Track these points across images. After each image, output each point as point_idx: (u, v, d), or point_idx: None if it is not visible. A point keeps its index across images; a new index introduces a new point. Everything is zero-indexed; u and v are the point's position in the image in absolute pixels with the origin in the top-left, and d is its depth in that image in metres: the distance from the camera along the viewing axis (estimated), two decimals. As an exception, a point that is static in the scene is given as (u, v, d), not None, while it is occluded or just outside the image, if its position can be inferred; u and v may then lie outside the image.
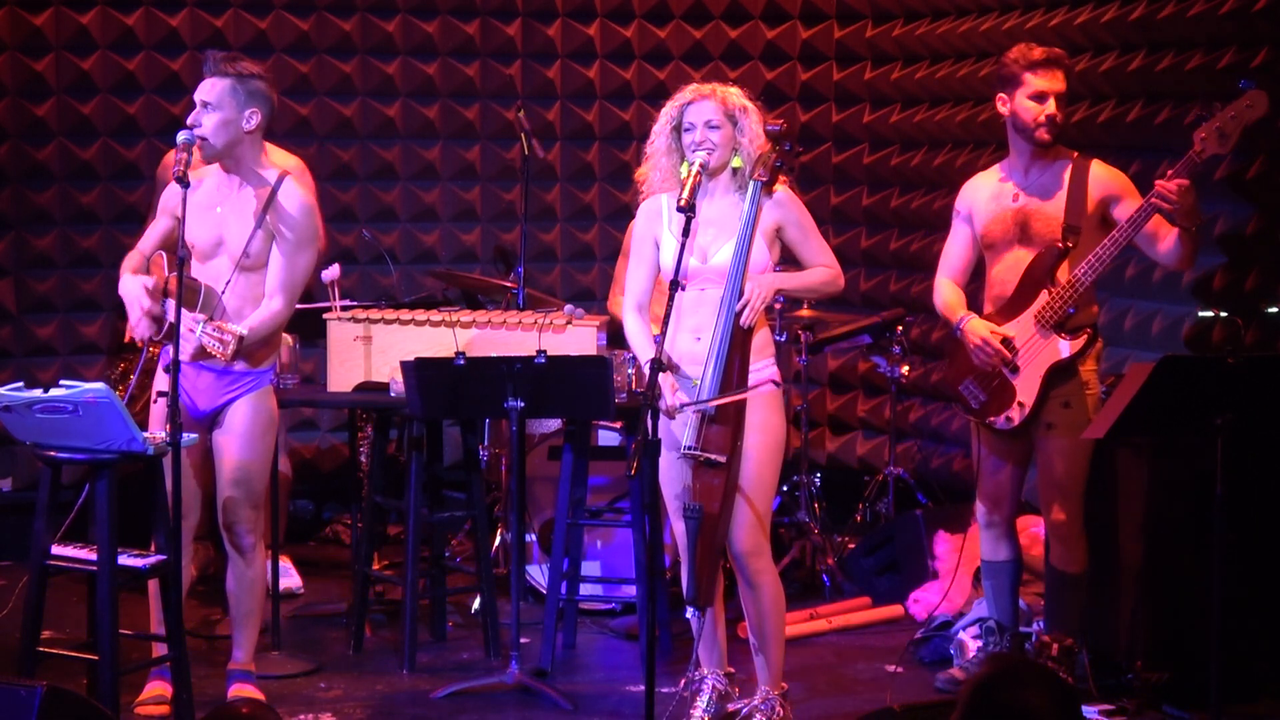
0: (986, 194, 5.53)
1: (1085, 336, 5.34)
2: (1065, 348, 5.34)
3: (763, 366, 5.11)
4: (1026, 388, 5.38)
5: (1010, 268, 5.44)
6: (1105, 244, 5.23)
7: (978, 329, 5.42)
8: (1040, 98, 5.35)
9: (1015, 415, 5.41)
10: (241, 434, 5.35)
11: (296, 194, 5.36)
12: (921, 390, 7.97)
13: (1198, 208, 5.17)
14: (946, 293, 5.58)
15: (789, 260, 5.33)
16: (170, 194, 5.38)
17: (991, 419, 5.47)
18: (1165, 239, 5.27)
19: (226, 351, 5.03)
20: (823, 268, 5.20)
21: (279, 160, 6.73)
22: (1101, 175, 5.38)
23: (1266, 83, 5.93)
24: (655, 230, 5.20)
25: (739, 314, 5.00)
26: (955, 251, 5.62)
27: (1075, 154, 5.44)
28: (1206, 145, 5.09)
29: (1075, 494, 5.44)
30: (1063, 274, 5.33)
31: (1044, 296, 5.34)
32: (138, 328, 5.26)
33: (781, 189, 5.12)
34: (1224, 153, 5.14)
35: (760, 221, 5.08)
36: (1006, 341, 5.38)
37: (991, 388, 5.45)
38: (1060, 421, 5.38)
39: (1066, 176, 5.36)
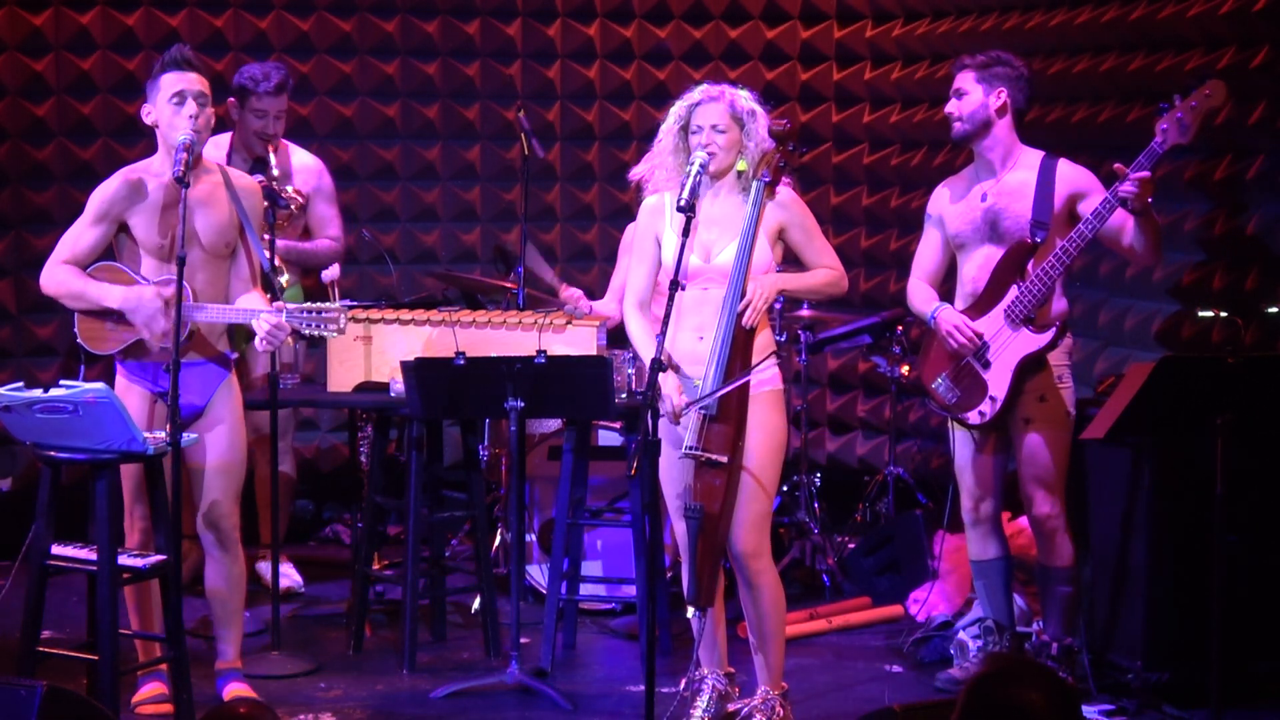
0: (955, 195, 5.67)
1: (1054, 330, 5.42)
2: (1034, 341, 5.42)
3: (764, 367, 5.10)
4: (998, 382, 5.45)
5: (981, 265, 5.56)
6: (1071, 237, 5.35)
7: (949, 316, 5.54)
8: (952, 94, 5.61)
9: (988, 409, 5.48)
10: (226, 423, 5.33)
11: (247, 177, 5.43)
12: (921, 390, 7.96)
13: (1149, 196, 5.27)
14: (920, 290, 5.72)
15: (792, 262, 5.33)
16: (109, 198, 5.23)
17: (965, 414, 5.53)
18: (1129, 231, 5.38)
19: (342, 326, 5.08)
20: (826, 269, 5.20)
21: (301, 160, 6.75)
22: (1068, 173, 5.50)
23: (1267, 82, 5.95)
24: (657, 227, 5.20)
25: (741, 314, 5.00)
26: (927, 254, 5.76)
27: (1043, 153, 5.56)
28: (1168, 135, 5.22)
29: (1057, 487, 5.49)
30: (1032, 269, 5.43)
31: (1013, 291, 5.44)
32: (161, 338, 5.18)
33: (785, 190, 5.13)
34: (1185, 142, 5.27)
35: (764, 222, 5.09)
36: (978, 335, 5.47)
37: (964, 383, 5.52)
38: (1037, 415, 5.47)
39: (1034, 175, 5.49)
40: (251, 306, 5.22)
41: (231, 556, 5.40)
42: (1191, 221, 6.29)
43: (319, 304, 5.13)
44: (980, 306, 5.52)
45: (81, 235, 5.26)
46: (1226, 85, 5.26)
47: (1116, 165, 5.25)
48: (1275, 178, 6.01)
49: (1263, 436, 5.16)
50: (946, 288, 5.79)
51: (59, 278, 5.26)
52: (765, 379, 5.11)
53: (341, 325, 5.11)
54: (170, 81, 5.17)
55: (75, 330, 5.34)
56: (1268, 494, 5.40)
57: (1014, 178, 5.52)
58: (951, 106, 5.59)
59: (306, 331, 5.11)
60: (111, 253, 5.34)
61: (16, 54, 7.54)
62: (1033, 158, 5.54)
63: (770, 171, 5.07)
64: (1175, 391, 4.92)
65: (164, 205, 5.20)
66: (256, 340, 5.15)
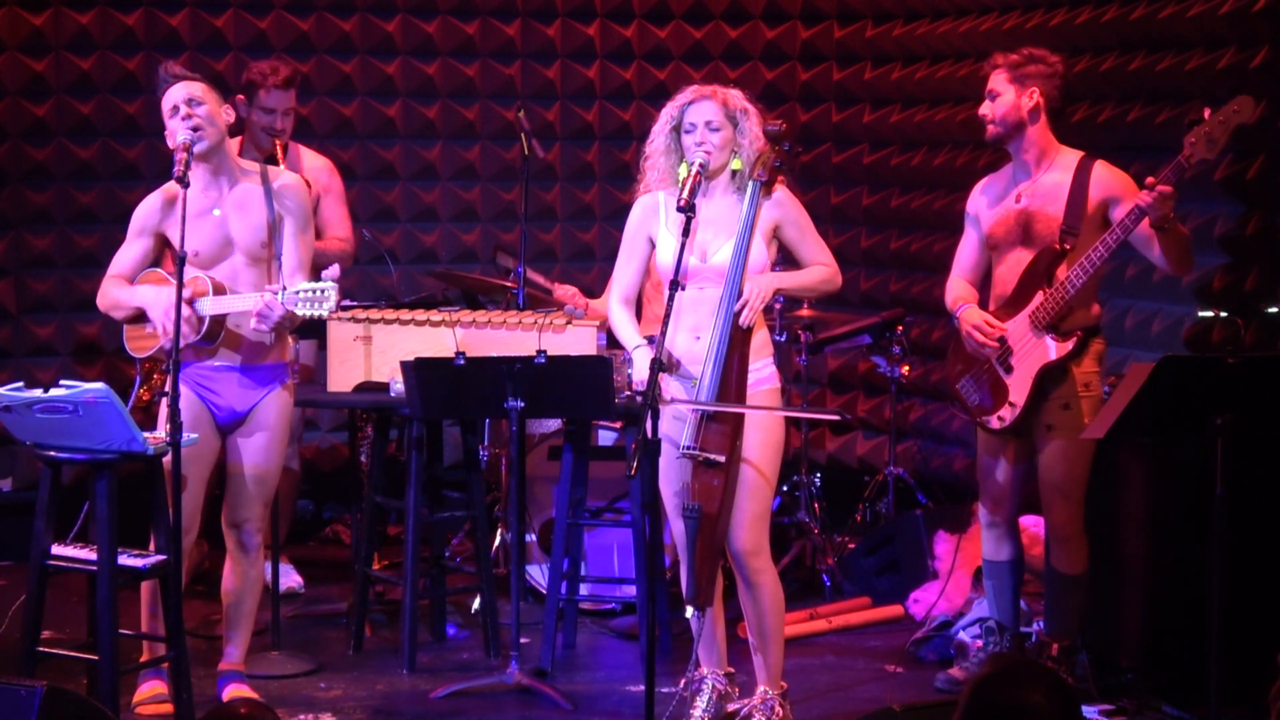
0: (992, 195, 5.59)
1: (1076, 339, 5.36)
2: (1055, 349, 5.36)
3: (761, 366, 5.11)
4: (1018, 388, 5.41)
5: (1011, 268, 5.49)
6: (1097, 247, 5.26)
7: (971, 316, 5.48)
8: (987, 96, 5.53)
9: (1007, 415, 5.44)
10: (269, 430, 5.36)
11: (287, 175, 5.46)
12: (921, 390, 7.97)
13: (1169, 211, 5.20)
14: (954, 287, 5.65)
15: (787, 260, 5.33)
16: (146, 211, 5.38)
17: (985, 418, 5.50)
18: (1155, 242, 5.30)
19: (332, 303, 5.07)
20: (820, 266, 5.20)
21: (311, 161, 6.78)
22: (1103, 176, 5.39)
23: (1267, 83, 5.95)
24: (651, 227, 5.20)
25: (738, 314, 5.00)
26: (965, 252, 5.69)
27: (1081, 154, 5.46)
28: (1195, 150, 5.12)
29: (1076, 496, 5.45)
30: (1060, 275, 5.35)
31: (1039, 297, 5.37)
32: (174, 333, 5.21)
33: (780, 189, 5.13)
34: (1212, 158, 5.20)
35: (759, 221, 5.08)
36: (1001, 339, 5.42)
37: (986, 387, 5.49)
38: (1059, 423, 5.40)
39: (1069, 177, 5.39)
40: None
41: (250, 561, 5.42)
42: (1192, 222, 6.28)
43: (310, 284, 5.14)
44: (1007, 310, 5.45)
45: (124, 251, 5.44)
46: (1254, 100, 5.17)
47: (1150, 179, 5.15)
48: (1276, 178, 6.01)
49: (1263, 436, 5.16)
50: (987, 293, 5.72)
51: (103, 291, 5.45)
52: (762, 378, 5.10)
53: (333, 303, 5.10)
54: (165, 101, 5.30)
55: (123, 337, 5.51)
56: (1268, 494, 5.40)
57: (1049, 179, 5.42)
58: (985, 108, 5.49)
59: (301, 311, 5.11)
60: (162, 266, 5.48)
61: (16, 54, 7.54)
62: (1069, 158, 5.43)
63: (766, 171, 5.07)
64: (1175, 391, 4.92)
65: (198, 214, 5.26)
66: (252, 322, 5.16)
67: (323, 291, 5.09)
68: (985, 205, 5.58)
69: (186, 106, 5.22)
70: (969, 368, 5.54)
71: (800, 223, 5.17)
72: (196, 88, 5.28)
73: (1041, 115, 5.43)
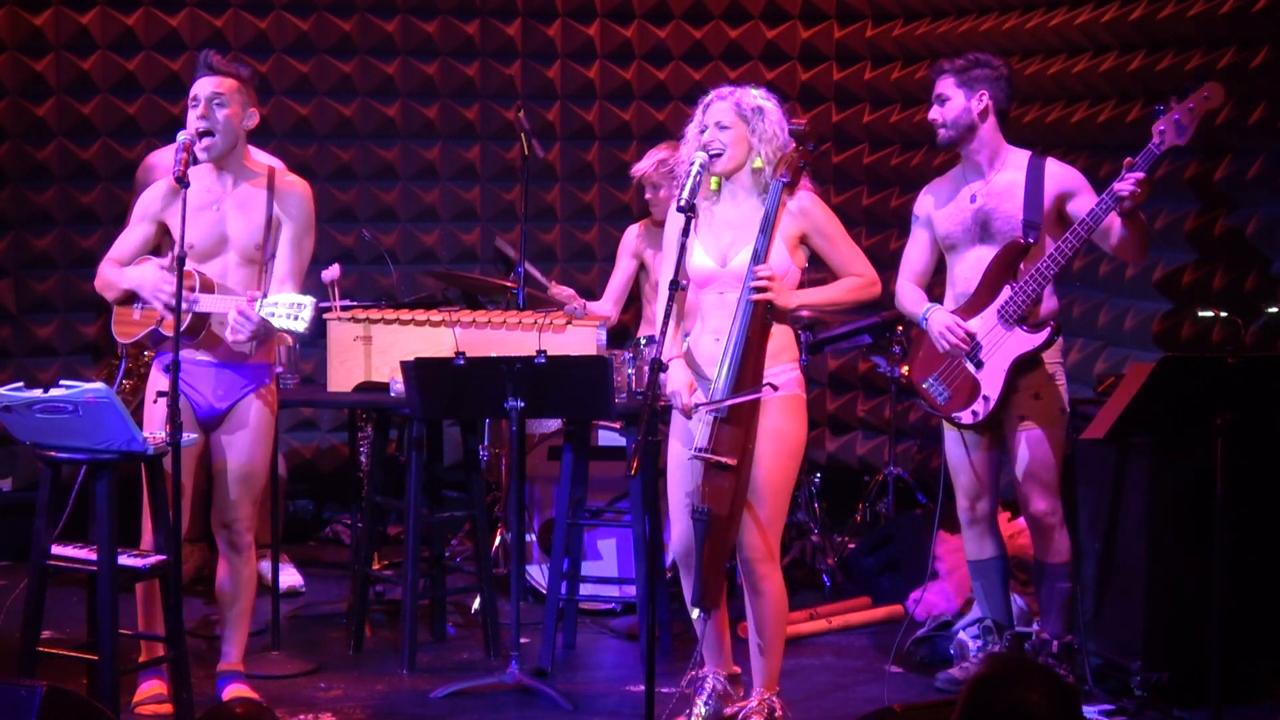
0: (941, 197, 5.67)
1: (1049, 329, 5.43)
2: (1029, 340, 5.42)
3: (779, 372, 5.04)
4: (991, 381, 5.46)
5: (972, 265, 5.56)
6: (1067, 238, 5.34)
7: (941, 318, 5.53)
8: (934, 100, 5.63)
9: (980, 409, 5.48)
10: (250, 429, 5.35)
11: (293, 181, 5.42)
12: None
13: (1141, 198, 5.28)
14: (909, 292, 5.72)
15: (817, 265, 5.24)
16: (150, 198, 5.38)
17: (957, 414, 5.53)
18: (1116, 230, 5.37)
19: (308, 317, 4.99)
20: (853, 276, 5.12)
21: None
22: (1057, 172, 5.50)
23: (1267, 82, 5.96)
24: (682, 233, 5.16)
25: (756, 289, 4.92)
26: (916, 255, 5.75)
27: (1030, 153, 5.56)
28: (1165, 137, 5.23)
29: (1052, 484, 5.50)
30: (1024, 269, 5.43)
31: (1007, 291, 5.44)
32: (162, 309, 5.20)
33: (804, 195, 5.06)
34: (1182, 144, 5.28)
35: (782, 227, 5.03)
36: (970, 335, 5.46)
37: (956, 383, 5.52)
38: (1032, 413, 5.47)
39: (1023, 175, 5.48)
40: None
41: (242, 560, 5.41)
42: (1192, 221, 6.29)
43: (291, 296, 5.07)
44: (972, 307, 5.51)
45: (126, 235, 5.44)
46: (1224, 87, 5.26)
47: (1127, 159, 5.22)
48: (1275, 178, 6.02)
49: (1263, 436, 5.16)
50: (936, 293, 5.76)
51: (99, 272, 5.45)
52: (783, 384, 5.03)
53: (307, 318, 5.01)
54: (192, 89, 5.26)
55: (111, 323, 5.50)
56: (1268, 494, 5.40)
57: (1003, 178, 5.52)
58: (934, 113, 5.59)
59: (276, 322, 5.06)
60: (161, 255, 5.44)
61: (16, 54, 7.54)
62: (1020, 158, 5.54)
63: (789, 172, 5.03)
64: (1175, 391, 4.92)
65: (198, 207, 5.24)
66: (227, 330, 5.15)
67: (299, 305, 5.02)
68: (934, 206, 5.66)
69: (206, 105, 5.19)
70: (934, 367, 5.59)
71: (827, 231, 5.09)
72: (226, 85, 5.24)
73: (991, 116, 5.53)
